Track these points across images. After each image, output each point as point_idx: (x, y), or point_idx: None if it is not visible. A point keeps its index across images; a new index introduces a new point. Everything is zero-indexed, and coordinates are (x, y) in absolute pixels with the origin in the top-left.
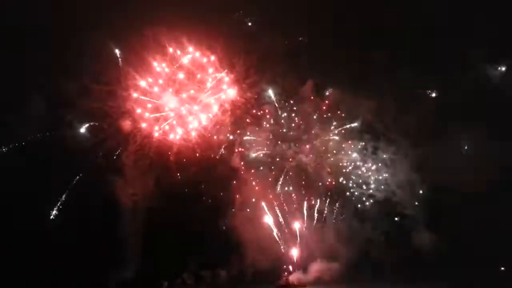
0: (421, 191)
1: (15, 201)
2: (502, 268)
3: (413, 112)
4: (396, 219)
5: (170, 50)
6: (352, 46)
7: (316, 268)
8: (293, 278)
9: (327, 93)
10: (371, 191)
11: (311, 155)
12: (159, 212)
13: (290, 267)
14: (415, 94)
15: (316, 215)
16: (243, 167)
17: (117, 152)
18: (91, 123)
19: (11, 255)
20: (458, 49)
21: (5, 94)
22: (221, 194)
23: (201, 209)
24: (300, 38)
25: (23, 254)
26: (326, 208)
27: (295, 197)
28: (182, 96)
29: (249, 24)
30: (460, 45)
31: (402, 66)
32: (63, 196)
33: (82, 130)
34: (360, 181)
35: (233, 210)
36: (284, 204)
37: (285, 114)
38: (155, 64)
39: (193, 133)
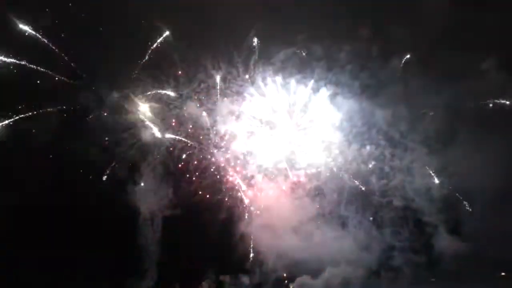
0: (440, 197)
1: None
2: (503, 274)
3: (430, 118)
4: (415, 225)
5: None
6: (366, 54)
7: (333, 273)
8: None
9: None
10: (389, 198)
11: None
12: (177, 220)
13: None
14: (431, 101)
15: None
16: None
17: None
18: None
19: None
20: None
21: None
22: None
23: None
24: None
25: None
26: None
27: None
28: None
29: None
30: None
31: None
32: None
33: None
34: (379, 188)
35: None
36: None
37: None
38: None
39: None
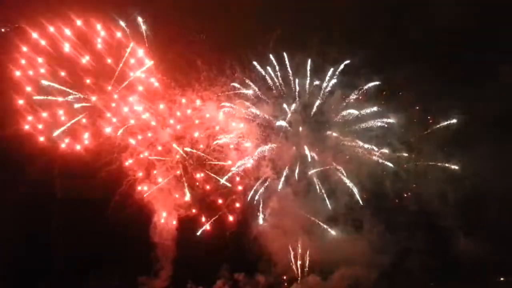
0: (456, 201)
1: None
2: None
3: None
4: (430, 228)
5: None
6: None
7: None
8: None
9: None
10: (404, 201)
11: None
12: (190, 219)
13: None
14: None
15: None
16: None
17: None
18: None
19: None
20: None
21: None
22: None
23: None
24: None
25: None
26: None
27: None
28: None
29: None
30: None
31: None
32: None
33: None
34: (393, 191)
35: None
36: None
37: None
38: None
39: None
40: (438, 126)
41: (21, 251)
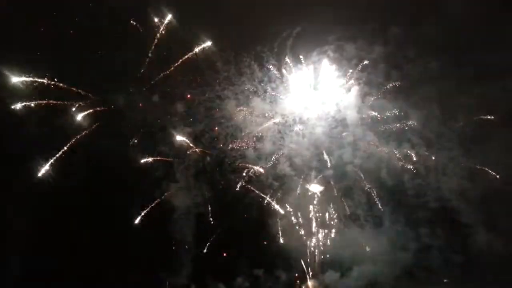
0: (475, 197)
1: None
2: None
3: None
4: (450, 225)
5: None
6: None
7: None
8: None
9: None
10: (424, 198)
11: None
12: (210, 216)
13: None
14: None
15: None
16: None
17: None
18: None
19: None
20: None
21: None
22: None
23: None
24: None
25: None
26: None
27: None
28: None
29: None
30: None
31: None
32: None
33: None
34: (413, 188)
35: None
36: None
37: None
38: None
39: None
40: (459, 122)
41: (42, 245)
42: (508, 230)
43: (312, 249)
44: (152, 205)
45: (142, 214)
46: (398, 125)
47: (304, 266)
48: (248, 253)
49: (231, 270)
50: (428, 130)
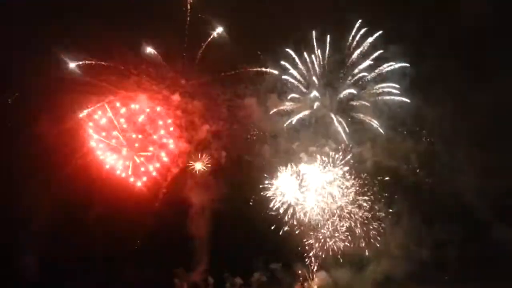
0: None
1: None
2: None
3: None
4: (466, 222)
5: None
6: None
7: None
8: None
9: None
10: (439, 194)
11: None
12: (227, 213)
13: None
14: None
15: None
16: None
17: None
18: None
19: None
20: None
21: None
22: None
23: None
24: None
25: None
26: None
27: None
28: None
29: None
30: None
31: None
32: None
33: None
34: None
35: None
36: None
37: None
38: None
39: None
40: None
41: (63, 240)
42: None
43: (327, 244)
44: None
45: None
46: (413, 119)
47: (317, 261)
48: (265, 248)
49: (249, 265)
50: (445, 127)
